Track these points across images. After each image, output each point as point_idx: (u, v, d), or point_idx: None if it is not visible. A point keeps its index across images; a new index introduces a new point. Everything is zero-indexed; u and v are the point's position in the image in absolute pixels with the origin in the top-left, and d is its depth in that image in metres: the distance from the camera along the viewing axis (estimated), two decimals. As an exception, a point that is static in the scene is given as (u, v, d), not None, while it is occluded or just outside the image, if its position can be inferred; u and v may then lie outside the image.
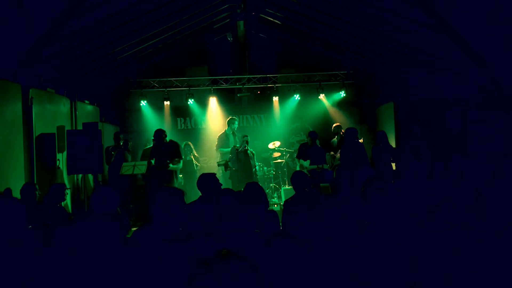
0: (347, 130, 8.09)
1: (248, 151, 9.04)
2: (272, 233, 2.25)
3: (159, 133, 8.10)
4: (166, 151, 8.05)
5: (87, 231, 2.87)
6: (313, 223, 3.36)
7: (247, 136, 9.16)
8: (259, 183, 8.75)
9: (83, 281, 2.51)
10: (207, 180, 4.27)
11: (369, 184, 3.55)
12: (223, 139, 9.66)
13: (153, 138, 8.30)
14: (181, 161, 8.62)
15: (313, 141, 8.95)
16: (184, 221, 2.80)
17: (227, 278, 1.40)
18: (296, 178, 4.66)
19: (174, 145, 8.26)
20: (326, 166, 8.87)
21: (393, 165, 8.27)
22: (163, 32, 9.48)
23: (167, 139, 8.22)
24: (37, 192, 5.27)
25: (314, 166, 8.65)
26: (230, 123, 9.72)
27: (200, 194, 4.37)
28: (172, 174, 8.27)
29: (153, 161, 8.16)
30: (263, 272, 1.65)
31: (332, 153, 9.54)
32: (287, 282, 2.00)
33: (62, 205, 5.55)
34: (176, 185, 8.66)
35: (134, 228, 7.35)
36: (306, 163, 8.93)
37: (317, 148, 8.92)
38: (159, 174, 7.98)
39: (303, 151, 9.11)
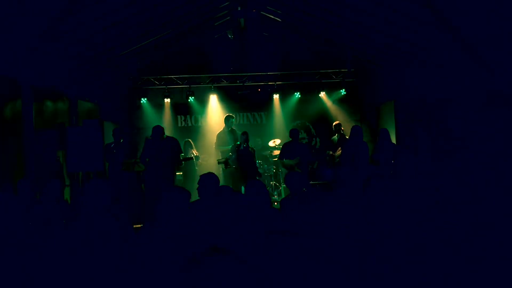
0: (353, 128, 8.00)
1: (250, 148, 9.01)
2: (272, 231, 2.25)
3: (158, 130, 7.89)
4: (168, 147, 7.88)
5: (86, 229, 2.86)
6: (313, 221, 3.35)
7: (246, 132, 9.09)
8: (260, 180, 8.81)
9: (82, 279, 2.51)
10: (207, 181, 4.28)
11: (370, 182, 3.54)
12: (222, 137, 9.66)
13: (151, 135, 8.09)
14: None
15: (295, 138, 8.68)
16: (189, 221, 2.80)
17: (218, 274, 1.40)
18: (290, 179, 4.56)
19: (174, 141, 8.12)
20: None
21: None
22: (163, 29, 9.46)
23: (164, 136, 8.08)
24: (32, 188, 5.25)
25: (294, 162, 8.45)
26: (226, 120, 9.71)
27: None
28: (174, 172, 8.14)
29: (147, 159, 7.94)
30: (265, 270, 1.65)
31: (331, 152, 9.51)
32: (286, 280, 1.99)
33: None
34: (176, 182, 8.66)
35: (135, 225, 7.34)
36: (294, 161, 8.57)
37: (302, 144, 8.79)
38: (161, 172, 7.78)
39: (286, 150, 8.69)
